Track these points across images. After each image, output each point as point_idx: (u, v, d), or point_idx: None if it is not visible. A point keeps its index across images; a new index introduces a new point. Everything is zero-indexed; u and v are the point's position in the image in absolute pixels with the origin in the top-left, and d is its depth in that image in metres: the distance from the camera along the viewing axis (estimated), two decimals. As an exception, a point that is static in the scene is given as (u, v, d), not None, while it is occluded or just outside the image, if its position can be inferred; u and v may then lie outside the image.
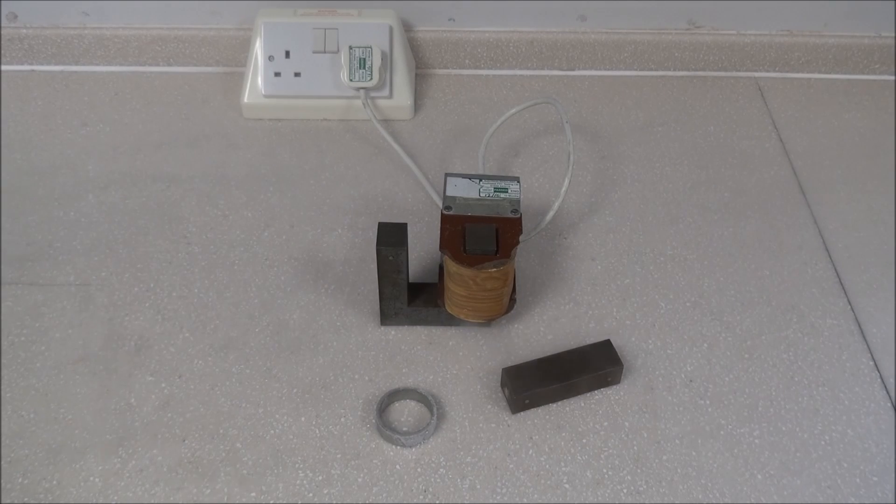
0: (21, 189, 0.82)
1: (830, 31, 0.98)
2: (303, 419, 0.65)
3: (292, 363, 0.68)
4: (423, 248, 0.78)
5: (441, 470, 0.62)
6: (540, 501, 0.60)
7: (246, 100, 0.90)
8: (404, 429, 0.64)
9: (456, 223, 0.65)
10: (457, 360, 0.69)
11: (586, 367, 0.66)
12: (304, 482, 0.61)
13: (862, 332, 0.72)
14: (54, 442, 0.62)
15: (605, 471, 0.62)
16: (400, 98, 0.91)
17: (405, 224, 0.66)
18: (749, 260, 0.78)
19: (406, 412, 0.66)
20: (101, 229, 0.78)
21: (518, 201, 0.67)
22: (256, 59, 0.89)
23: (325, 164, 0.86)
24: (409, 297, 0.69)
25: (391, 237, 0.65)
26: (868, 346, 0.71)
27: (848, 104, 0.96)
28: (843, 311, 0.74)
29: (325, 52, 0.89)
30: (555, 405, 0.66)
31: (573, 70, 1.00)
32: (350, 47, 0.87)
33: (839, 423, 0.66)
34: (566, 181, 0.76)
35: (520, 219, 0.66)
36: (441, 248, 0.64)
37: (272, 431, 0.64)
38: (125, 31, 0.96)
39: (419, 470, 0.62)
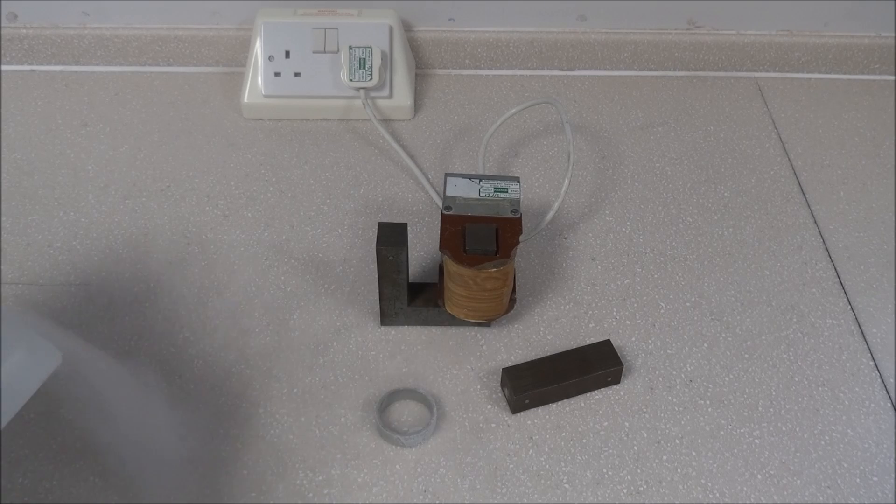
0: (21, 189, 0.82)
1: (830, 31, 0.98)
2: (303, 419, 0.65)
3: (292, 363, 0.68)
4: (423, 248, 0.78)
5: (441, 470, 0.62)
6: (540, 501, 0.60)
7: (246, 100, 0.90)
8: (404, 429, 0.64)
9: (456, 223, 0.65)
10: (457, 360, 0.69)
11: (586, 367, 0.66)
12: (304, 482, 0.61)
13: (862, 332, 0.72)
14: (54, 442, 0.62)
15: (605, 471, 0.62)
16: (400, 98, 0.91)
17: (405, 224, 0.66)
18: (749, 260, 0.78)
19: (406, 412, 0.66)
20: (101, 229, 0.78)
21: (518, 201, 0.67)
22: (256, 59, 0.89)
23: (325, 164, 0.86)
24: (409, 297, 0.69)
25: (391, 237, 0.65)
26: (868, 346, 0.71)
27: (848, 104, 0.96)
28: (843, 311, 0.74)
29: (325, 52, 0.89)
30: (555, 405, 0.66)
31: (573, 70, 1.00)
32: (350, 47, 0.87)
33: (839, 423, 0.66)
34: (566, 181, 0.76)
35: (520, 219, 0.66)
36: (441, 248, 0.64)
37: (272, 431, 0.64)
38: (125, 31, 0.96)
39: (419, 470, 0.62)
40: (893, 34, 0.98)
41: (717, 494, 0.61)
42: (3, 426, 0.48)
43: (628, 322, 0.72)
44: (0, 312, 0.48)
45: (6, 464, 0.61)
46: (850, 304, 0.74)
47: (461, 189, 0.68)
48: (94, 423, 0.61)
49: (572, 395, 0.67)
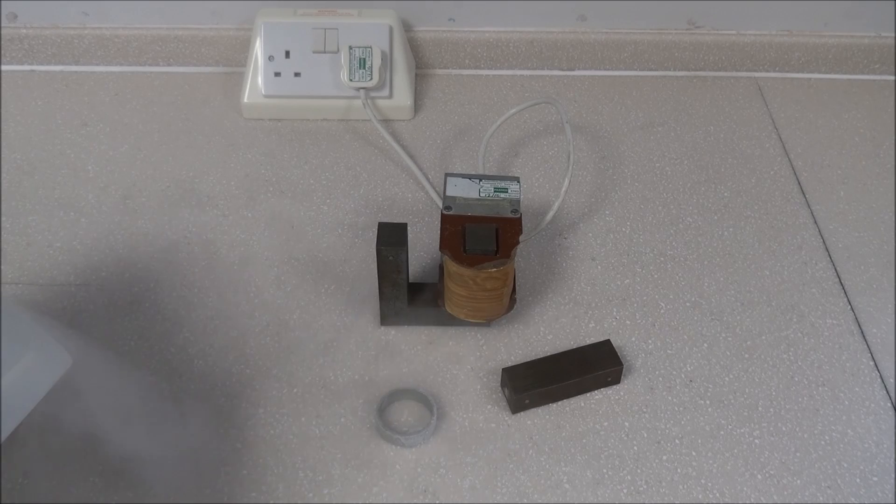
0: (21, 189, 0.82)
1: (830, 31, 0.98)
2: (303, 419, 0.65)
3: (292, 363, 0.68)
4: (423, 248, 0.78)
5: (441, 470, 0.62)
6: (540, 501, 0.60)
7: (246, 100, 0.90)
8: (404, 429, 0.64)
9: (456, 223, 0.65)
10: (457, 360, 0.69)
11: (586, 367, 0.66)
12: (304, 482, 0.61)
13: (862, 332, 0.72)
14: (54, 442, 0.62)
15: (605, 471, 0.62)
16: (400, 98, 0.91)
17: (405, 224, 0.66)
18: (749, 260, 0.78)
19: (406, 412, 0.66)
20: (101, 229, 0.78)
21: (518, 201, 0.67)
22: (256, 59, 0.89)
23: (325, 164, 0.86)
24: (409, 297, 0.69)
25: (391, 237, 0.65)
26: (868, 346, 0.71)
27: (848, 104, 0.96)
28: (843, 311, 0.74)
29: (325, 52, 0.89)
30: (555, 405, 0.66)
31: (573, 70, 1.00)
32: (350, 47, 0.87)
33: (839, 423, 0.66)
34: (566, 181, 0.76)
35: (520, 219, 0.66)
36: (441, 248, 0.64)
37: (272, 431, 0.64)
38: (125, 31, 0.96)
39: (419, 470, 0.62)
40: (893, 34, 0.98)
41: (717, 494, 0.61)
42: (13, 428, 0.48)
43: (628, 322, 0.72)
44: (13, 313, 0.48)
45: (6, 464, 0.61)
46: (850, 304, 0.74)
47: (461, 189, 0.68)
48: (99, 423, 0.61)
49: (572, 395, 0.67)
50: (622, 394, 0.67)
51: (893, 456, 0.64)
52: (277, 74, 0.89)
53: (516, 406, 0.65)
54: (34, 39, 0.96)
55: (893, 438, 0.65)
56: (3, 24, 0.95)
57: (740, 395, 0.67)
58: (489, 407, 0.66)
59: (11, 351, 0.47)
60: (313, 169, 0.86)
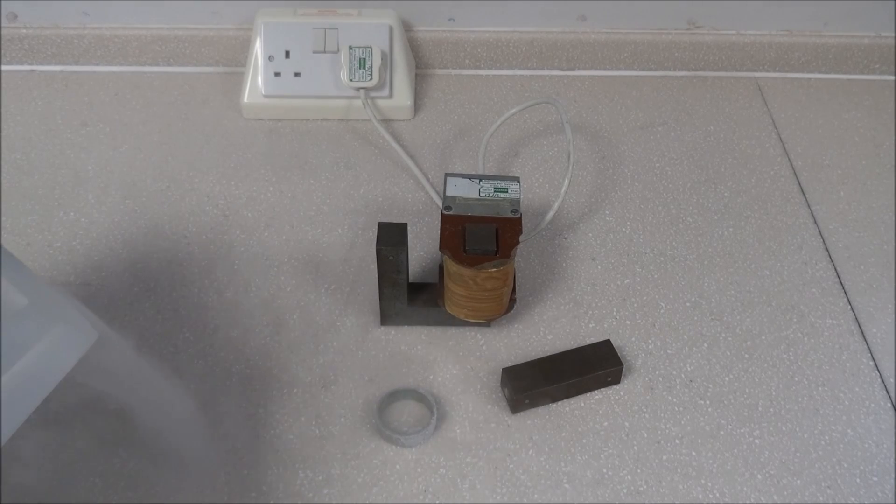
0: (21, 189, 0.82)
1: (830, 31, 0.98)
2: (303, 419, 0.65)
3: (292, 363, 0.68)
4: (423, 248, 0.78)
5: (441, 470, 0.62)
6: (540, 501, 0.61)
7: (246, 100, 0.90)
8: (404, 429, 0.64)
9: (456, 223, 0.65)
10: (457, 360, 0.69)
11: (586, 367, 0.66)
12: (304, 482, 0.61)
13: (862, 332, 0.72)
14: (55, 442, 0.62)
15: (605, 471, 0.62)
16: (400, 98, 0.91)
17: (405, 224, 0.66)
18: (749, 260, 0.78)
19: (406, 412, 0.66)
20: (101, 229, 0.78)
21: (518, 201, 0.67)
22: (256, 59, 0.89)
23: (325, 164, 0.86)
24: (409, 297, 0.69)
25: (391, 237, 0.65)
26: (868, 346, 0.71)
27: (848, 104, 0.96)
28: (843, 311, 0.74)
29: (325, 52, 0.89)
30: (555, 405, 0.66)
31: (573, 70, 1.00)
32: (350, 47, 0.87)
33: (839, 423, 0.66)
34: (566, 181, 0.76)
35: (520, 219, 0.66)
36: (441, 248, 0.64)
37: (272, 431, 0.64)
38: (125, 31, 0.96)
39: (419, 470, 0.62)
40: (893, 34, 0.98)
41: (717, 494, 0.61)
42: (40, 401, 0.47)
43: (628, 322, 0.72)
44: (41, 286, 0.48)
45: (6, 463, 0.61)
46: (850, 304, 0.74)
47: (461, 189, 0.68)
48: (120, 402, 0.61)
49: (572, 395, 0.67)
50: (622, 394, 0.67)
51: (893, 456, 0.64)
52: (277, 74, 0.89)
53: (516, 406, 0.65)
54: (34, 39, 0.96)
55: (893, 438, 0.65)
56: (3, 24, 0.95)
57: (740, 395, 0.67)
58: (489, 407, 0.66)
59: (39, 323, 0.47)
60: (313, 169, 0.86)
